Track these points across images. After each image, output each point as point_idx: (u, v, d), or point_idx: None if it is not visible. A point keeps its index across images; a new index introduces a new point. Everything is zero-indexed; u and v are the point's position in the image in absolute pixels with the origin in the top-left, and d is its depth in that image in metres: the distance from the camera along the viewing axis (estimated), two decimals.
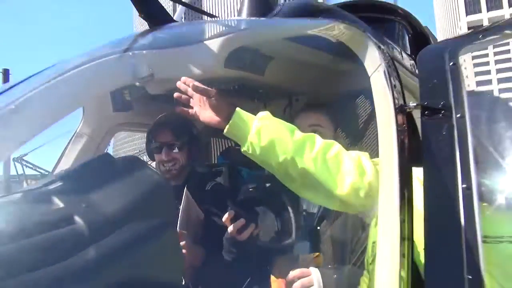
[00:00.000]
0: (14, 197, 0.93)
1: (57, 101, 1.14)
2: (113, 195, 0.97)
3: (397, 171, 0.97)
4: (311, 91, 1.62)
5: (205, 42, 1.29)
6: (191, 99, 1.28)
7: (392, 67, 1.18)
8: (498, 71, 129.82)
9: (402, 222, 0.92)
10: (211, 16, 1.97)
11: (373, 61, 1.18)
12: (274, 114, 1.26)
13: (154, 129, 1.89)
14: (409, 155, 1.03)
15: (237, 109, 1.23)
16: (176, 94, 1.27)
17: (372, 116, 1.25)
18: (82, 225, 0.84)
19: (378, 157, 1.13)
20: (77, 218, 0.85)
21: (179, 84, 1.25)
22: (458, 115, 1.05)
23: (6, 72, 31.68)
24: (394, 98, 1.09)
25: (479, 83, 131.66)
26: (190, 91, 1.26)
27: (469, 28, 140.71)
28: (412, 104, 1.09)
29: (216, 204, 1.63)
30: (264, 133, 1.18)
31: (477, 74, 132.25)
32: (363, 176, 1.15)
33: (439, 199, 0.96)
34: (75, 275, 0.78)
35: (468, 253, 0.89)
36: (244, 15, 1.81)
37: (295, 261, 1.30)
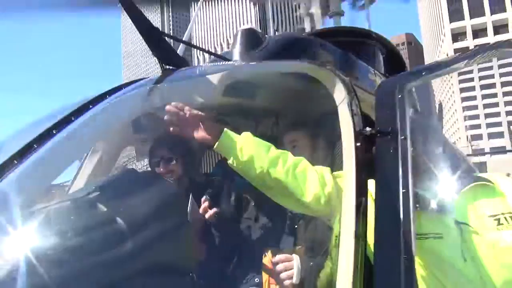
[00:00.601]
0: (68, 203, 1.24)
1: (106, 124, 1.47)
2: (139, 201, 1.28)
3: (355, 182, 1.30)
4: (291, 115, 1.95)
5: (207, 78, 1.61)
6: (184, 121, 1.57)
7: (354, 99, 1.51)
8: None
9: (357, 221, 1.24)
10: (212, 54, 2.29)
11: (339, 94, 1.51)
12: (263, 131, 1.57)
13: (153, 146, 2.19)
14: (365, 169, 1.36)
15: (225, 129, 1.55)
16: (168, 117, 1.55)
17: (339, 136, 1.58)
18: (122, 224, 1.15)
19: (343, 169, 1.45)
20: (118, 219, 1.16)
21: (170, 108, 1.53)
22: (402, 137, 1.38)
23: None
24: (354, 124, 1.42)
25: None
26: (183, 114, 1.55)
27: (452, 35, 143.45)
28: (368, 129, 1.42)
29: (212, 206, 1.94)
30: (245, 149, 1.51)
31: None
32: (324, 187, 1.49)
33: (386, 201, 1.29)
34: (119, 260, 1.09)
35: (404, 240, 1.21)
36: (237, 47, 2.14)
37: (282, 251, 1.62)
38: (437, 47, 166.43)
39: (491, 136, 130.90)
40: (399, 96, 1.48)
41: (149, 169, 2.07)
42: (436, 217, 1.54)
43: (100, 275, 1.03)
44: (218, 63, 1.98)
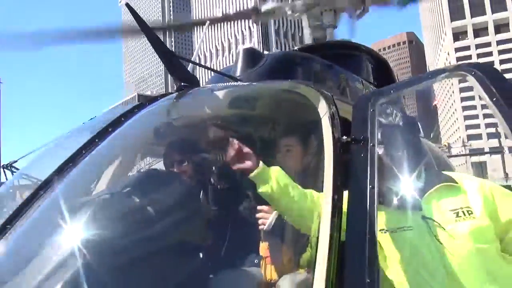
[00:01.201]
0: (108, 196, 1.60)
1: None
2: (163, 194, 1.64)
3: (332, 179, 1.65)
4: (284, 125, 2.29)
5: (216, 94, 1.97)
6: (237, 154, 1.89)
7: (335, 112, 1.86)
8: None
9: (333, 211, 1.59)
10: (217, 72, 2.62)
11: (322, 108, 1.85)
12: (262, 137, 1.92)
13: (167, 151, 2.54)
14: (341, 169, 1.70)
15: (260, 162, 1.88)
16: (230, 151, 1.85)
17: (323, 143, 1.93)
18: (152, 212, 1.51)
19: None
20: (149, 208, 1.52)
21: (233, 143, 1.84)
22: (371, 144, 1.73)
23: None
24: (333, 133, 1.76)
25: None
26: (232, 148, 1.88)
27: (454, 34, 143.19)
28: (344, 137, 1.77)
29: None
30: (280, 180, 1.85)
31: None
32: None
33: (356, 195, 1.64)
34: (151, 240, 1.46)
35: (369, 230, 1.56)
36: (238, 65, 2.49)
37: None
38: (438, 45, 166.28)
39: (490, 136, 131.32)
40: (371, 110, 1.83)
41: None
42: (407, 213, 1.88)
43: (137, 250, 1.40)
44: (223, 84, 2.29)
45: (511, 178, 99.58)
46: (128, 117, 1.79)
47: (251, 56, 2.57)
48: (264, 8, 4.07)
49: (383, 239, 1.83)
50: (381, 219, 1.80)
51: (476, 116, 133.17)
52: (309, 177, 1.87)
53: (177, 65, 2.04)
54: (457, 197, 1.86)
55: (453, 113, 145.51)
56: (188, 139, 2.14)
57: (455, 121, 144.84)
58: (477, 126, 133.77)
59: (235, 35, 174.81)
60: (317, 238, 1.51)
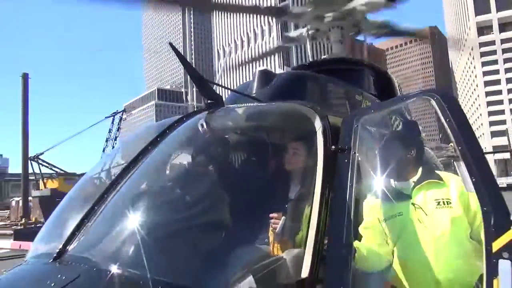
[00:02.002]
0: (161, 187, 2.21)
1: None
2: (199, 188, 2.25)
3: (321, 179, 2.18)
4: (292, 134, 2.82)
5: (238, 111, 2.57)
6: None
7: (327, 126, 2.38)
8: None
9: (321, 205, 2.12)
10: (234, 91, 3.16)
11: (317, 123, 2.39)
12: (275, 142, 2.48)
13: (204, 154, 3.09)
14: (330, 172, 2.23)
15: None
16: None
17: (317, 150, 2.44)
18: (194, 199, 2.12)
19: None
20: (187, 198, 2.11)
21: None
22: (353, 152, 2.26)
23: (25, 76, 33.10)
24: (324, 143, 2.29)
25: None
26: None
27: (478, 28, 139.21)
28: (333, 147, 2.30)
29: None
30: None
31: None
32: None
33: (339, 191, 2.16)
34: (193, 218, 2.05)
35: (347, 217, 2.09)
36: (254, 84, 3.03)
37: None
38: (461, 40, 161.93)
39: None
40: (355, 125, 2.35)
41: None
42: (400, 202, 2.43)
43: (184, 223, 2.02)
44: (243, 104, 2.80)
45: None
46: (172, 129, 2.37)
47: (265, 77, 3.10)
48: (293, 10, 4.61)
49: (384, 225, 2.38)
50: (381, 210, 2.35)
51: (502, 112, 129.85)
52: (307, 173, 2.38)
53: (206, 87, 2.61)
54: (441, 190, 2.39)
55: (477, 108, 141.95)
56: (218, 147, 2.72)
57: (478, 117, 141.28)
58: (503, 122, 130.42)
59: (254, 30, 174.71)
60: (309, 221, 2.05)
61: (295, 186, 2.48)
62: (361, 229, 2.41)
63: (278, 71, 4.48)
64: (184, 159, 2.58)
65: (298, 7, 4.46)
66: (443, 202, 2.32)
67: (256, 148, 2.79)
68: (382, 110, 2.49)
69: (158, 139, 2.28)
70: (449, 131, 2.06)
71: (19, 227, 27.43)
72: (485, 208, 1.85)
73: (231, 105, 2.73)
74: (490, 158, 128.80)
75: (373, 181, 2.41)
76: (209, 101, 2.57)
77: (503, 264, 1.72)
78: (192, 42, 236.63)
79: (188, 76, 2.42)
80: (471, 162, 1.95)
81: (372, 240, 2.39)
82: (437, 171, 2.58)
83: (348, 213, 2.03)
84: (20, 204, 34.71)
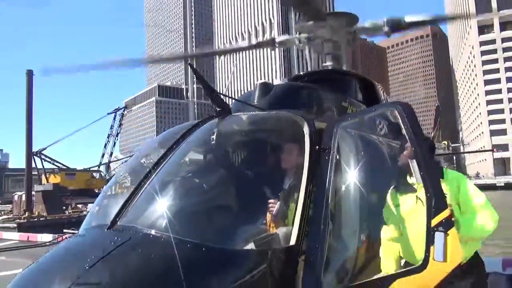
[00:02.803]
0: (184, 177, 2.81)
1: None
2: (211, 174, 2.86)
3: (307, 174, 2.74)
4: (287, 137, 3.37)
5: (243, 118, 3.16)
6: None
7: (313, 131, 2.95)
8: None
9: (305, 196, 2.69)
10: (237, 100, 3.73)
11: (305, 129, 2.96)
12: (275, 144, 3.08)
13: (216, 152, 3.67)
14: (314, 168, 2.80)
15: None
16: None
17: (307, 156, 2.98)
18: (210, 185, 2.73)
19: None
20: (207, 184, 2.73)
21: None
22: (333, 152, 2.84)
23: (30, 73, 33.59)
24: (310, 145, 2.85)
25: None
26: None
27: (479, 27, 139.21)
28: (317, 147, 2.88)
29: None
30: None
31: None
32: None
33: (320, 182, 2.73)
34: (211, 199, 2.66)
35: (325, 202, 2.67)
36: (255, 94, 3.60)
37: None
38: (462, 39, 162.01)
39: None
40: (335, 130, 2.93)
41: None
42: (410, 195, 2.88)
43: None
44: (247, 112, 3.36)
45: None
46: (192, 132, 2.97)
47: (264, 87, 3.68)
48: (278, 39, 5.19)
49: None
50: (396, 196, 2.88)
51: (502, 111, 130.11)
52: (298, 168, 2.94)
53: (217, 98, 3.19)
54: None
55: (476, 107, 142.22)
56: (228, 147, 3.33)
57: (478, 116, 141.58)
58: (502, 121, 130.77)
59: (255, 26, 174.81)
60: (297, 205, 2.64)
61: (288, 178, 3.04)
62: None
63: (276, 82, 5.09)
64: (201, 155, 3.17)
65: (283, 36, 5.07)
66: None
67: (258, 148, 3.37)
68: (357, 118, 3.09)
69: (181, 139, 2.86)
70: (407, 135, 2.64)
71: (22, 221, 27.93)
72: (428, 194, 2.42)
73: (237, 113, 3.30)
74: (489, 158, 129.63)
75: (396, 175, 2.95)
76: (218, 109, 3.16)
77: (438, 236, 2.30)
78: (194, 40, 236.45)
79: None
80: (420, 160, 2.52)
81: None
82: (445, 169, 3.03)
83: (326, 198, 2.61)
84: (23, 198, 35.26)
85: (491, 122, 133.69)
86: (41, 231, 17.93)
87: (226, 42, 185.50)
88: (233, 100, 3.75)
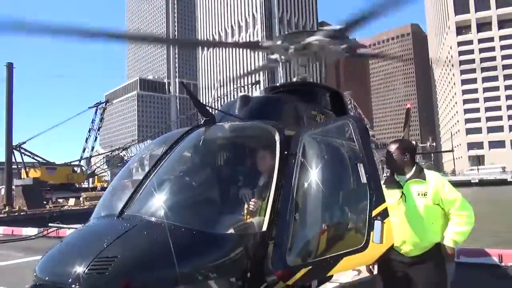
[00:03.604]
0: (180, 173, 3.40)
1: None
2: (199, 175, 3.47)
3: (276, 173, 3.36)
4: (260, 144, 3.96)
5: (225, 126, 3.77)
6: None
7: (283, 139, 3.56)
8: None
9: (276, 191, 3.32)
10: (220, 111, 4.31)
11: (276, 137, 3.57)
12: (252, 149, 3.70)
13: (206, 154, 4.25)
14: (283, 169, 3.41)
15: None
16: None
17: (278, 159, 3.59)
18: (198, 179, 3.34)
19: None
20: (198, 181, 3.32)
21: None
22: (298, 156, 3.46)
23: (10, 66, 33.20)
24: (280, 150, 3.46)
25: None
26: None
27: (457, 28, 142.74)
28: (286, 152, 3.50)
29: None
30: None
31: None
32: None
33: (287, 180, 3.34)
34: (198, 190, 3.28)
35: (291, 197, 3.32)
36: (236, 105, 4.19)
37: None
38: (441, 39, 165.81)
39: (490, 130, 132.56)
40: (301, 138, 3.56)
41: None
42: (396, 189, 3.48)
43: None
44: (227, 122, 3.95)
45: (507, 172, 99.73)
46: (184, 138, 3.56)
47: (244, 99, 4.27)
48: (264, 43, 5.80)
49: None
50: (386, 190, 3.38)
51: (477, 110, 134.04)
52: (270, 170, 3.51)
53: (205, 109, 3.78)
54: (421, 185, 3.49)
55: (454, 106, 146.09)
56: (213, 150, 3.93)
57: (455, 114, 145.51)
58: (478, 119, 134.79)
59: (238, 22, 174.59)
60: (268, 199, 3.27)
61: (262, 177, 3.62)
62: None
63: (256, 93, 5.74)
64: (191, 158, 3.76)
65: (268, 41, 5.61)
66: (421, 194, 3.46)
67: (237, 152, 3.97)
68: (319, 128, 3.75)
69: (174, 144, 3.45)
70: (356, 142, 3.31)
71: (2, 215, 27.79)
72: (370, 191, 3.09)
73: (220, 123, 3.90)
74: (464, 156, 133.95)
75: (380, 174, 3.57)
76: (205, 119, 3.76)
77: (376, 224, 2.97)
78: (176, 33, 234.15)
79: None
80: (367, 165, 3.19)
81: None
82: (425, 170, 3.63)
83: (292, 193, 3.23)
84: (2, 192, 34.96)
85: (467, 121, 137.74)
86: (22, 225, 17.96)
87: (209, 37, 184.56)
88: (217, 111, 4.33)
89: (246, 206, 3.37)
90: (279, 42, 5.29)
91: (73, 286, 2.28)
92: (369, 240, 2.99)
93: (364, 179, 3.19)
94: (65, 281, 2.31)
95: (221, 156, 3.96)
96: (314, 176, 3.40)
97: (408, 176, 3.54)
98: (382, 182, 3.48)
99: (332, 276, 4.10)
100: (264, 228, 3.05)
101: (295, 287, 3.28)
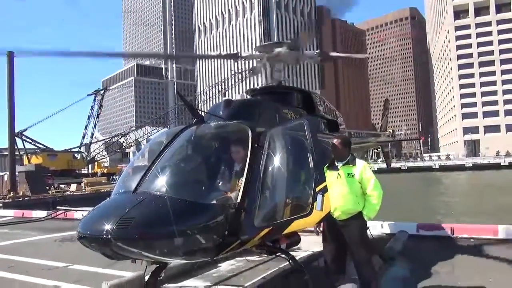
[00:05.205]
0: (175, 161, 4.52)
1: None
2: (192, 160, 4.61)
3: (248, 162, 4.44)
4: (236, 140, 5.03)
5: (212, 126, 4.85)
6: None
7: (255, 136, 4.64)
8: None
9: (247, 175, 4.46)
10: (208, 113, 5.40)
11: (249, 134, 4.61)
12: (230, 145, 4.89)
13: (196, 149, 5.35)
14: (253, 157, 4.50)
15: None
16: None
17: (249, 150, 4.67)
18: (190, 164, 4.46)
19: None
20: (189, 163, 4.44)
21: None
22: (266, 148, 4.52)
23: (11, 55, 33.90)
24: (251, 144, 4.53)
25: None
26: None
27: (455, 12, 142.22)
28: (256, 145, 4.61)
29: None
30: None
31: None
32: None
33: (255, 166, 4.40)
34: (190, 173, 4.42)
35: (258, 179, 4.46)
36: (221, 107, 5.26)
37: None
38: (439, 23, 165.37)
39: (486, 114, 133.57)
40: (268, 134, 4.62)
41: None
42: (335, 171, 4.54)
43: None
44: (214, 122, 5.02)
45: (501, 156, 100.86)
46: (179, 134, 4.63)
47: (227, 103, 5.33)
48: (243, 54, 6.86)
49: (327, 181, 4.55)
50: (327, 172, 4.56)
51: (474, 95, 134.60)
52: (244, 159, 4.50)
53: (196, 111, 4.86)
54: (352, 169, 4.56)
55: (450, 90, 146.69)
56: (203, 144, 5.01)
57: (451, 99, 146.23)
58: (473, 104, 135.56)
59: (235, 6, 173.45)
60: (242, 180, 4.37)
61: (238, 163, 4.55)
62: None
63: (238, 97, 6.83)
64: (186, 149, 4.84)
65: (246, 52, 6.63)
66: (350, 175, 4.55)
67: (220, 145, 4.93)
68: (283, 126, 4.88)
69: (172, 139, 4.52)
70: (307, 138, 4.45)
71: (7, 200, 28.73)
72: (315, 173, 4.25)
73: (208, 122, 4.97)
74: (460, 140, 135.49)
75: (325, 160, 4.72)
76: (196, 119, 4.86)
77: (319, 196, 4.14)
78: (173, 18, 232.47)
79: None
80: (314, 154, 4.34)
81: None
82: (356, 159, 4.70)
83: (259, 175, 4.28)
84: (5, 178, 35.94)
85: (463, 106, 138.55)
86: (28, 209, 18.91)
87: (206, 21, 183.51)
88: (205, 113, 5.40)
89: (226, 184, 4.50)
90: (256, 53, 6.37)
91: (105, 236, 3.41)
92: (312, 208, 4.17)
93: (311, 165, 4.35)
94: (101, 233, 3.44)
95: (208, 148, 5.01)
96: (276, 163, 4.50)
97: (344, 162, 4.66)
98: (326, 166, 4.66)
99: (299, 241, 5.26)
100: (239, 200, 4.14)
101: (263, 244, 4.48)
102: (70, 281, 6.35)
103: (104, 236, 3.36)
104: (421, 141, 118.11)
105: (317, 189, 4.29)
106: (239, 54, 6.88)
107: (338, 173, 4.56)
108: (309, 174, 4.51)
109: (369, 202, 4.47)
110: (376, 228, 8.73)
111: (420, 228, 8.66)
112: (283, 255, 4.74)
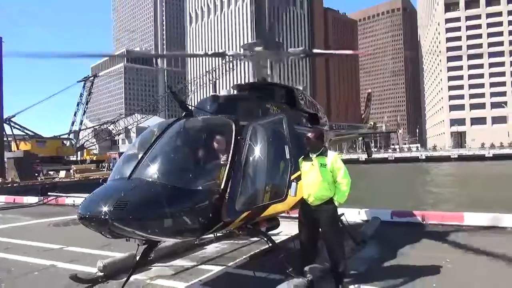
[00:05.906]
0: (166, 149, 5.00)
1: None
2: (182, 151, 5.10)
3: (232, 152, 4.91)
4: (220, 132, 5.52)
5: (199, 119, 5.32)
6: None
7: (239, 128, 5.13)
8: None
9: (231, 164, 4.95)
10: (196, 108, 5.85)
11: (233, 127, 5.08)
12: (215, 137, 5.36)
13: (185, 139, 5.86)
14: (237, 148, 4.99)
15: None
16: None
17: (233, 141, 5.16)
18: (180, 154, 4.94)
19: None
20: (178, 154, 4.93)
21: None
22: (247, 140, 5.01)
23: None
24: (235, 136, 5.00)
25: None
26: None
27: (445, 4, 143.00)
28: (239, 137, 5.09)
29: None
30: None
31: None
32: None
33: (238, 156, 4.89)
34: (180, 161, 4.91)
35: (242, 167, 4.97)
36: (208, 102, 5.73)
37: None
38: (430, 15, 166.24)
39: (472, 107, 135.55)
40: (250, 127, 5.08)
41: None
42: (309, 161, 4.98)
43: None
44: (201, 116, 5.48)
45: (485, 148, 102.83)
46: (169, 127, 5.05)
47: (213, 98, 5.80)
48: (229, 52, 7.31)
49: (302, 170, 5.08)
50: (302, 163, 5.04)
51: (461, 87, 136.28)
52: (228, 150, 4.91)
53: (185, 106, 5.31)
54: (324, 159, 5.02)
55: (439, 82, 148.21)
56: (192, 135, 5.45)
57: (440, 91, 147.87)
58: (461, 97, 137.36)
59: None
60: (226, 167, 4.85)
61: (222, 153, 4.99)
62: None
63: (223, 92, 7.32)
64: (175, 141, 5.27)
65: (232, 51, 7.09)
66: (323, 165, 5.00)
67: (207, 137, 5.27)
68: (264, 120, 5.37)
69: (163, 131, 4.93)
70: (285, 130, 4.97)
71: None
72: (290, 164, 4.78)
73: (196, 116, 5.41)
74: (447, 132, 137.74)
75: (301, 151, 5.20)
76: (185, 113, 5.32)
77: (293, 184, 4.69)
78: (164, 4, 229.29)
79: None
80: (290, 146, 4.87)
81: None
82: (328, 151, 5.17)
83: (241, 163, 4.74)
84: None
85: (451, 98, 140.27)
86: (18, 196, 19.18)
87: (198, 8, 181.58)
88: (194, 107, 5.85)
89: (211, 172, 4.99)
90: (241, 51, 6.85)
91: (103, 217, 3.88)
92: (287, 194, 4.73)
93: (287, 155, 4.88)
94: (99, 214, 3.90)
95: (195, 140, 5.40)
96: (256, 153, 5.00)
97: (317, 153, 5.18)
98: (301, 157, 5.16)
99: (278, 225, 5.81)
100: (222, 186, 4.60)
101: (244, 227, 5.02)
102: (66, 261, 6.80)
103: (102, 217, 3.82)
104: (398, 133, 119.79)
105: (292, 177, 4.85)
106: (226, 53, 7.32)
107: (312, 163, 5.02)
108: (285, 164, 5.06)
109: (339, 189, 4.98)
110: (353, 215, 9.36)
111: (394, 215, 9.31)
112: (262, 236, 5.28)
